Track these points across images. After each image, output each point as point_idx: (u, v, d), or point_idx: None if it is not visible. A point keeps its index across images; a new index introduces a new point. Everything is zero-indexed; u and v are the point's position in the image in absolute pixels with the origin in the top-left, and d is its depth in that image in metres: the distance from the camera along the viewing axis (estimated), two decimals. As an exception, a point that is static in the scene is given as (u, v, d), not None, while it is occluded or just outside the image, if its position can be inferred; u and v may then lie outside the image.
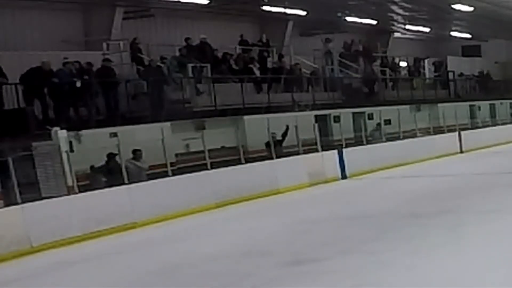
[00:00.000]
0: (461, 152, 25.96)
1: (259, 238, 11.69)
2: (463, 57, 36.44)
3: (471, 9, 26.83)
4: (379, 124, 23.75)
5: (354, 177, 19.91)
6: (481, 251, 8.98)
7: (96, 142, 15.32)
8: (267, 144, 18.37)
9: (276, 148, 18.15)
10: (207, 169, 16.02)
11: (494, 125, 31.49)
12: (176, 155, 17.43)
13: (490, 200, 13.62)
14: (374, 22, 29.06)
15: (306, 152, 19.13)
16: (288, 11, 24.09)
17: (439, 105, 28.45)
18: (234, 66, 21.91)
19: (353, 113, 24.36)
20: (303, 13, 24.77)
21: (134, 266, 10.36)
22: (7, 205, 12.69)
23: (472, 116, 31.49)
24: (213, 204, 15.64)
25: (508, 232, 10.16)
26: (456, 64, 33.55)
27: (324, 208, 14.66)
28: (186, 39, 20.93)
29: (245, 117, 19.85)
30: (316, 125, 20.11)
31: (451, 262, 8.56)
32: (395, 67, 30.61)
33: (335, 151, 20.10)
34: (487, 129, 29.95)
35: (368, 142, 22.14)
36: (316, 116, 22.22)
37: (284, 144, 19.08)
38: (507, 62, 36.95)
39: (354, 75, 27.67)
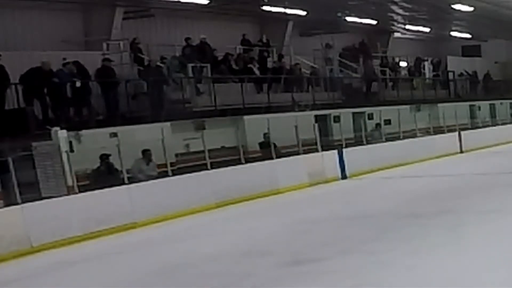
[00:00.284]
0: (461, 152, 25.96)
1: (259, 238, 11.69)
2: (463, 57, 36.44)
3: (471, 9, 26.83)
4: (378, 124, 23.75)
5: (354, 177, 19.91)
6: (481, 251, 8.98)
7: (96, 142, 15.32)
8: (261, 145, 18.36)
9: (271, 149, 18.17)
10: (207, 169, 16.01)
11: (494, 125, 31.50)
12: (176, 155, 17.42)
13: (490, 200, 13.63)
14: (374, 22, 29.06)
15: (306, 152, 19.13)
16: (288, 11, 24.09)
17: (439, 105, 28.46)
18: (234, 66, 21.91)
19: (353, 113, 24.37)
20: (303, 13, 24.78)
21: (134, 266, 10.36)
22: (7, 205, 12.69)
23: (472, 116, 31.50)
24: (213, 204, 15.64)
25: (508, 232, 10.17)
26: (456, 64, 33.55)
27: (324, 208, 14.66)
28: (186, 39, 20.93)
29: (245, 117, 19.85)
30: (316, 125, 20.10)
31: (451, 262, 8.56)
32: (395, 67, 30.61)
33: (335, 151, 20.09)
34: (487, 129, 29.96)
35: (368, 142, 22.14)
36: (316, 116, 22.22)
37: (282, 144, 19.05)
38: (507, 62, 36.96)
39: (354, 75, 27.67)
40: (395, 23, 31.06)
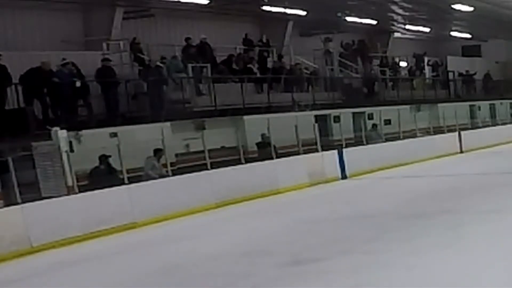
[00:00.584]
0: (461, 152, 25.96)
1: (259, 238, 11.69)
2: (463, 57, 36.43)
3: (471, 9, 26.83)
4: (375, 125, 23.69)
5: (354, 177, 19.91)
6: (481, 251, 8.98)
7: (96, 142, 15.32)
8: (258, 145, 18.35)
9: (268, 149, 18.15)
10: (207, 169, 16.02)
11: (494, 125, 31.49)
12: (176, 155, 17.43)
13: (490, 200, 13.62)
14: (374, 22, 29.05)
15: (306, 152, 19.13)
16: (288, 11, 24.08)
17: (439, 105, 28.46)
18: (234, 66, 21.91)
19: (353, 113, 24.37)
20: (303, 13, 24.77)
21: (134, 266, 10.36)
22: (7, 205, 12.70)
23: (472, 116, 31.50)
24: (213, 204, 15.64)
25: (508, 232, 10.16)
26: (456, 64, 33.54)
27: (324, 208, 14.66)
28: (186, 39, 20.92)
29: (245, 117, 19.85)
30: (316, 125, 20.11)
31: (451, 262, 8.56)
32: (395, 67, 30.61)
33: (335, 151, 20.10)
34: (487, 129, 29.96)
35: (366, 143, 22.13)
36: (316, 116, 22.22)
37: (282, 144, 19.05)
38: (507, 62, 36.95)
39: (354, 75, 27.67)
40: (395, 23, 31.06)
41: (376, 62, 29.47)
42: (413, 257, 9.05)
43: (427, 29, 32.68)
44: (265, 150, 18.29)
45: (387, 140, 23.06)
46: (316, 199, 16.57)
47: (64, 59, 16.59)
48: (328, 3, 24.64)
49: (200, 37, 21.38)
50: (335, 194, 17.48)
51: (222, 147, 18.50)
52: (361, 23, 28.45)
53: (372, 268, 8.63)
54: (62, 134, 14.62)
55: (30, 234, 12.18)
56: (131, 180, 14.44)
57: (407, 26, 31.34)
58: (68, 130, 14.85)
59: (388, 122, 24.31)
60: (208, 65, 20.22)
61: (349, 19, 27.58)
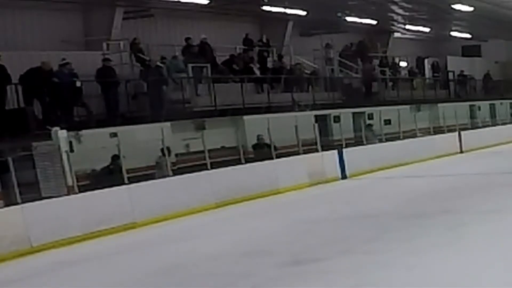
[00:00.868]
0: (461, 152, 25.97)
1: (259, 238, 11.69)
2: (463, 57, 36.43)
3: (471, 9, 26.82)
4: (370, 125, 23.62)
5: (354, 177, 19.91)
6: (481, 251, 8.98)
7: (96, 142, 15.31)
8: (254, 147, 18.30)
9: (264, 150, 18.13)
10: (207, 169, 16.02)
11: (494, 125, 31.49)
12: (176, 155, 17.42)
13: (490, 200, 13.63)
14: (374, 22, 29.04)
15: (306, 152, 19.13)
16: (288, 11, 24.07)
17: (439, 105, 28.45)
18: (234, 66, 21.90)
19: (353, 113, 24.35)
20: (303, 13, 24.77)
21: (134, 266, 10.36)
22: (7, 205, 12.69)
23: (472, 116, 31.49)
24: (213, 204, 15.64)
25: (508, 232, 10.17)
26: (456, 64, 33.53)
27: (324, 208, 14.66)
28: (186, 39, 20.92)
29: (245, 117, 19.84)
30: (316, 125, 20.11)
31: (451, 262, 8.56)
32: (395, 67, 30.60)
33: (335, 151, 20.10)
34: (487, 129, 29.96)
35: (362, 143, 22.10)
36: (316, 116, 22.20)
37: (282, 144, 19.03)
38: (507, 62, 36.95)
39: (354, 75, 27.66)
40: (395, 23, 31.05)
41: (376, 62, 29.45)
42: (413, 257, 9.05)
43: (427, 29, 32.68)
44: (261, 152, 18.23)
45: (387, 140, 23.06)
46: (316, 199, 16.57)
47: (64, 59, 16.58)
48: (328, 3, 24.64)
49: (200, 37, 21.37)
50: (335, 194, 17.49)
51: (222, 147, 18.49)
52: (361, 23, 28.44)
53: (372, 268, 8.63)
54: (62, 134, 14.62)
55: (30, 234, 12.18)
56: (131, 180, 14.44)
57: (407, 26, 31.33)
58: (68, 130, 14.85)
59: (388, 122, 24.30)
60: (208, 65, 20.21)
61: (349, 19, 27.57)
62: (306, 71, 25.04)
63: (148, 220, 14.07)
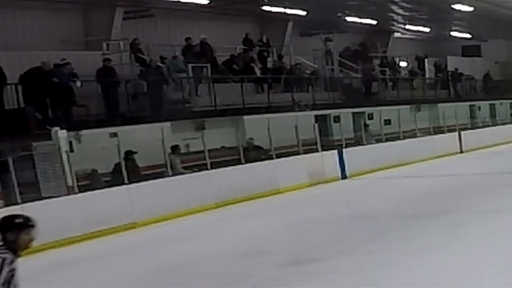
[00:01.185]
0: (461, 152, 25.98)
1: (259, 238, 11.69)
2: (463, 57, 36.43)
3: (471, 9, 26.82)
4: (367, 125, 23.62)
5: (354, 177, 19.92)
6: (481, 251, 8.99)
7: (96, 142, 15.31)
8: (244, 151, 18.20)
9: (256, 152, 18.10)
10: (207, 169, 16.02)
11: (494, 125, 31.49)
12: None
13: (490, 200, 13.64)
14: (374, 22, 29.04)
15: (306, 152, 19.13)
16: (288, 11, 24.07)
17: (439, 105, 28.45)
18: (234, 66, 21.90)
19: (353, 113, 24.35)
20: (303, 13, 24.76)
21: (134, 266, 10.36)
22: (7, 205, 12.67)
23: (472, 116, 31.49)
24: (213, 204, 15.64)
25: (508, 232, 10.17)
26: (456, 64, 33.54)
27: (324, 208, 14.67)
28: (186, 39, 20.92)
29: (245, 117, 19.83)
30: (316, 125, 20.11)
31: (451, 262, 8.56)
32: (395, 67, 30.60)
33: (335, 151, 20.10)
34: (487, 129, 29.98)
35: (358, 143, 22.07)
36: (316, 116, 22.20)
37: (282, 144, 19.02)
38: (507, 62, 36.94)
39: (354, 75, 27.66)
40: (395, 23, 31.04)
41: (376, 62, 29.45)
42: (413, 257, 9.05)
43: (427, 29, 32.67)
44: (251, 154, 18.07)
45: (387, 140, 23.05)
46: (316, 199, 16.57)
47: (63, 59, 16.57)
48: (328, 3, 24.64)
49: (200, 37, 21.38)
50: (335, 194, 17.49)
51: (222, 147, 18.49)
52: (361, 23, 28.44)
53: (372, 268, 8.64)
54: (62, 134, 14.61)
55: (30, 234, 12.15)
56: (131, 180, 14.45)
57: (407, 26, 31.34)
58: (68, 130, 14.85)
59: (388, 122, 24.29)
60: (208, 65, 20.21)
61: (349, 19, 27.57)
62: (306, 71, 25.04)
63: (148, 220, 14.07)
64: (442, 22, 32.01)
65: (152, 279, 9.34)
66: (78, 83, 16.43)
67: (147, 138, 16.09)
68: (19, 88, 15.21)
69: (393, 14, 28.93)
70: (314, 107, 22.86)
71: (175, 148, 16.47)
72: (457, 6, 26.51)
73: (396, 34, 33.06)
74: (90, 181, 14.97)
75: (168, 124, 17.24)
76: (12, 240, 4.69)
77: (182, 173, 16.02)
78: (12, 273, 4.44)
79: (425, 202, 14.32)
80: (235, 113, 19.84)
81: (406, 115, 25.37)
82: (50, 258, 11.58)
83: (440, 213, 12.39)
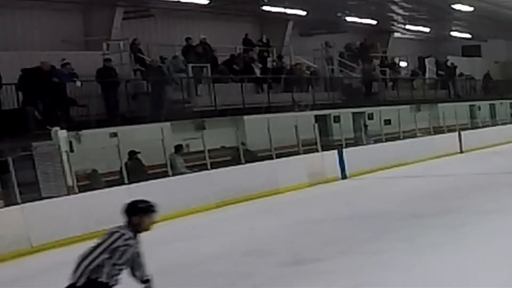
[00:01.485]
0: (461, 152, 25.98)
1: (259, 238, 11.69)
2: (463, 57, 36.43)
3: (471, 9, 26.83)
4: (366, 126, 23.60)
5: (354, 177, 19.92)
6: (481, 251, 8.98)
7: (96, 142, 15.32)
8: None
9: (249, 153, 18.08)
10: (207, 169, 16.02)
11: (494, 125, 31.50)
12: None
13: (490, 200, 13.63)
14: (374, 22, 29.05)
15: (306, 152, 19.13)
16: (288, 11, 24.09)
17: (439, 105, 28.45)
18: (234, 66, 21.90)
19: (353, 113, 24.36)
20: (303, 13, 24.77)
21: (134, 266, 10.33)
22: (7, 205, 12.69)
23: (472, 116, 31.50)
24: (213, 204, 15.64)
25: (508, 232, 10.17)
26: (456, 64, 33.52)
27: (324, 208, 14.67)
28: (186, 39, 20.92)
29: (245, 117, 19.84)
30: (316, 125, 20.11)
31: (451, 262, 8.56)
32: (395, 67, 30.59)
33: (335, 151, 20.11)
34: (487, 129, 29.97)
35: (357, 144, 22.06)
36: (316, 116, 22.21)
37: (282, 144, 19.01)
38: (507, 62, 36.96)
39: (354, 75, 27.66)
40: (395, 23, 31.05)
41: (376, 62, 29.44)
42: (413, 257, 9.05)
43: (427, 29, 32.68)
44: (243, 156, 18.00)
45: (387, 140, 23.05)
46: (316, 199, 16.57)
47: (63, 59, 16.57)
48: (328, 3, 24.64)
49: (200, 37, 21.38)
50: (335, 194, 17.48)
51: (222, 147, 18.49)
52: (361, 23, 28.45)
53: (372, 268, 8.64)
54: (62, 134, 14.61)
55: (30, 234, 12.18)
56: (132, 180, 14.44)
57: (407, 26, 31.34)
58: (68, 130, 14.85)
59: (388, 122, 24.30)
60: (208, 65, 20.21)
61: (349, 19, 27.58)
62: (306, 71, 25.04)
63: (148, 220, 14.04)
64: (442, 22, 32.02)
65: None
66: (78, 83, 16.42)
67: (147, 138, 16.09)
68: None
69: (393, 14, 28.94)
70: (314, 107, 22.86)
71: (178, 148, 16.51)
72: (457, 6, 26.52)
73: (396, 34, 33.07)
74: (90, 181, 14.97)
75: (168, 124, 17.25)
76: (137, 223, 5.70)
77: (185, 173, 16.01)
78: (126, 247, 5.55)
79: (425, 202, 14.32)
80: (235, 113, 19.85)
81: (406, 115, 25.38)
82: (50, 258, 11.58)
83: (440, 213, 12.39)
